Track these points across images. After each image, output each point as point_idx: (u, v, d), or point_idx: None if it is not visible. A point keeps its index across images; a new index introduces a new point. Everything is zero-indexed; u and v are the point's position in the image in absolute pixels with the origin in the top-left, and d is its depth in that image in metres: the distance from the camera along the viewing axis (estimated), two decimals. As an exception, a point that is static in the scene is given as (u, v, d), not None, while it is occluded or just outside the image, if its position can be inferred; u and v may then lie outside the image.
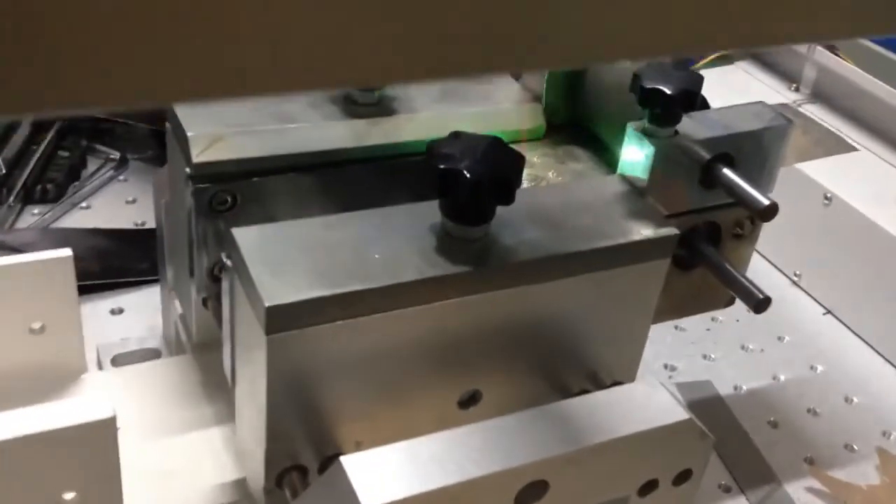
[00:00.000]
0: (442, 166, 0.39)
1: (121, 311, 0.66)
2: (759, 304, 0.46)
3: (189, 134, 0.46)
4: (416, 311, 0.40)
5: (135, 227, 0.74)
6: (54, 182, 0.76)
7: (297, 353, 0.39)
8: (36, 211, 0.74)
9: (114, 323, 0.65)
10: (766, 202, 0.44)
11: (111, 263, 0.70)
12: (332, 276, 0.39)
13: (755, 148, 0.48)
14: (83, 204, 0.76)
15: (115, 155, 0.82)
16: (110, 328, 0.65)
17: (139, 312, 0.66)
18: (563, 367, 0.47)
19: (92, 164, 0.81)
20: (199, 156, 0.45)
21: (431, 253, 0.41)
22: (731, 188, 0.46)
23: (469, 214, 0.41)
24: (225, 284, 0.42)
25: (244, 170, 0.47)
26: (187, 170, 0.46)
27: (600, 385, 0.49)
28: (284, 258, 0.39)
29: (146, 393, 0.51)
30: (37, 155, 0.77)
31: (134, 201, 0.77)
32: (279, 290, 0.38)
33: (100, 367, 0.60)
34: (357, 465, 0.38)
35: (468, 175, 0.39)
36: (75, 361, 0.50)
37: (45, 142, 0.79)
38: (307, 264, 0.39)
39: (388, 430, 0.43)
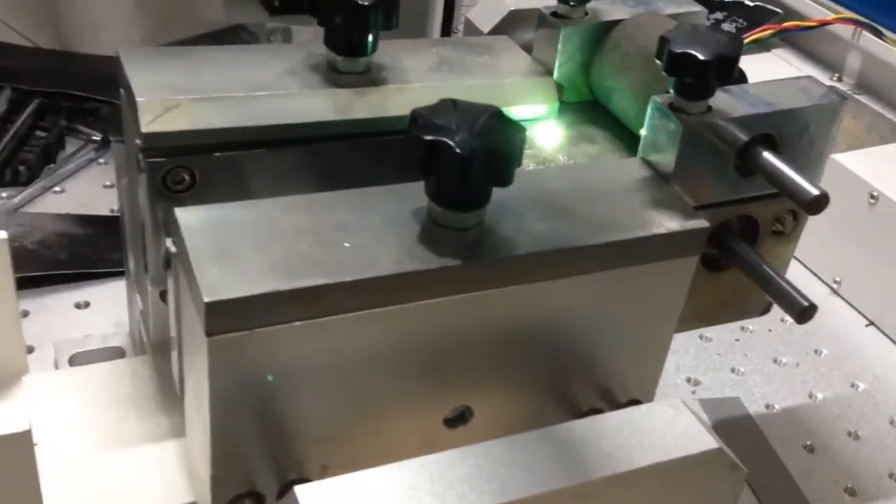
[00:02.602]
0: (428, 137, 0.33)
1: (87, 304, 0.60)
2: (804, 312, 0.39)
3: (139, 99, 0.39)
4: (392, 311, 0.34)
5: (110, 214, 0.68)
6: (27, 164, 0.70)
7: (246, 360, 0.32)
8: (4, 195, 0.68)
9: (78, 318, 0.59)
10: (815, 191, 0.37)
11: (80, 252, 0.63)
12: (292, 268, 0.32)
13: (801, 129, 0.41)
14: (57, 188, 0.70)
15: (97, 136, 0.76)
16: (74, 324, 0.59)
17: (107, 307, 0.60)
18: (570, 381, 0.40)
19: (72, 146, 0.75)
20: (150, 124, 0.39)
21: (413, 242, 0.34)
22: (772, 175, 0.39)
23: (459, 197, 0.35)
24: (170, 275, 0.36)
25: (205, 143, 0.40)
26: (137, 141, 0.39)
27: (614, 403, 0.42)
28: (234, 245, 0.33)
29: (94, 399, 0.45)
30: (9, 134, 0.71)
31: (113, 186, 0.71)
32: (224, 282, 0.31)
33: (56, 366, 0.54)
34: (314, 496, 0.31)
35: (458, 150, 0.32)
36: (13, 362, 0.44)
37: (20, 121, 0.73)
38: (262, 253, 0.33)
39: (361, 453, 0.36)
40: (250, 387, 0.33)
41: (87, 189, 0.71)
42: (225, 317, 0.31)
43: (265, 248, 0.33)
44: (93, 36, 0.80)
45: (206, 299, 0.30)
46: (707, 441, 0.36)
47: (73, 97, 0.77)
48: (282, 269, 0.32)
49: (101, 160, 0.74)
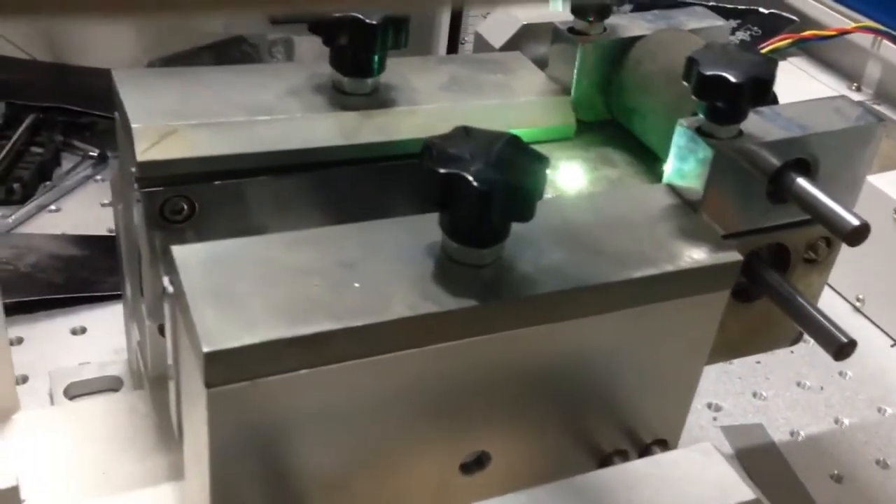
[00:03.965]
0: (443, 170, 0.30)
1: (83, 330, 0.58)
2: (842, 349, 0.37)
3: (135, 126, 0.37)
4: (405, 356, 0.31)
5: (108, 234, 0.65)
6: (22, 181, 0.68)
7: (249, 411, 0.30)
8: (-1, 214, 0.66)
9: (74, 344, 0.57)
10: (856, 222, 0.35)
11: (76, 275, 0.61)
12: (297, 312, 0.30)
13: (837, 153, 0.38)
14: (52, 206, 0.68)
15: (94, 152, 0.73)
16: (69, 351, 0.56)
17: (104, 332, 0.58)
18: (593, 422, 0.38)
19: (68, 162, 0.73)
20: (146, 152, 0.37)
21: (427, 281, 0.32)
22: (808, 203, 0.37)
23: (477, 233, 0.32)
24: (167, 314, 0.33)
25: (204, 171, 0.38)
26: (133, 170, 0.37)
27: (639, 444, 0.39)
28: (235, 286, 0.31)
29: (89, 437, 0.43)
30: (4, 151, 0.69)
31: (111, 204, 0.69)
32: (224, 329, 0.29)
33: (51, 397, 0.52)
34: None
35: (476, 183, 0.30)
36: (3, 399, 0.42)
37: (15, 136, 0.71)
38: (265, 295, 0.30)
39: (371, 502, 0.34)
40: (253, 437, 0.31)
41: (83, 207, 0.69)
42: (225, 367, 0.29)
43: (268, 289, 0.31)
44: (89, 48, 0.78)
45: (206, 349, 0.28)
46: (743, 492, 0.33)
47: (69, 111, 0.75)
48: (286, 313, 0.30)
49: (99, 177, 0.72)
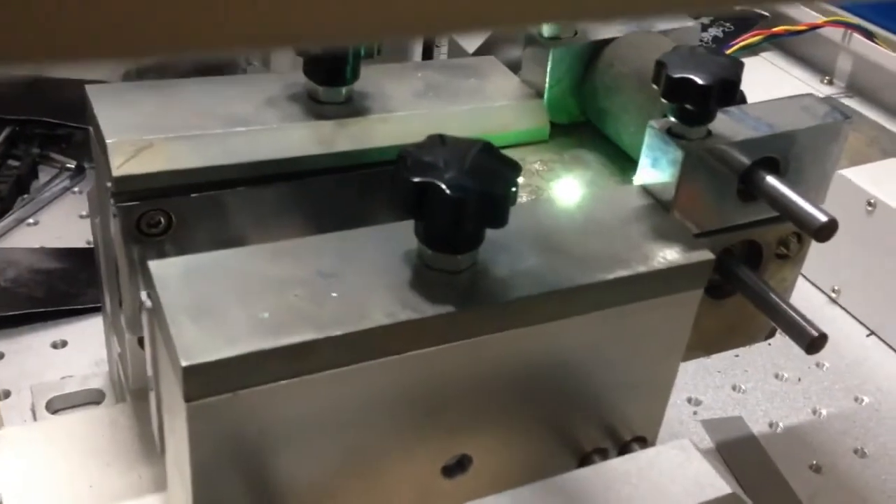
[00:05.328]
0: (416, 179, 0.31)
1: (64, 343, 0.58)
2: (814, 342, 0.37)
3: (109, 141, 0.37)
4: (385, 363, 0.32)
5: (87, 246, 0.65)
6: (-1, 195, 0.68)
7: (230, 423, 0.30)
8: (-24, 228, 0.66)
9: (55, 358, 0.57)
10: (824, 218, 0.36)
11: (56, 288, 0.61)
12: (276, 323, 0.30)
13: (805, 150, 0.39)
14: (31, 219, 0.68)
15: (72, 164, 0.73)
16: (51, 364, 0.56)
17: (85, 345, 0.58)
18: (572, 422, 0.38)
19: (46, 175, 0.73)
20: (121, 167, 0.37)
21: (405, 289, 0.32)
22: (777, 201, 0.37)
23: (451, 240, 0.33)
24: (146, 328, 0.34)
25: (181, 184, 0.38)
26: (108, 184, 0.37)
27: (618, 441, 0.40)
28: (214, 299, 0.31)
29: (73, 451, 0.43)
30: (-20, 165, 0.69)
31: (89, 216, 0.69)
32: (203, 342, 0.29)
33: (33, 412, 0.52)
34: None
35: (449, 191, 0.30)
36: (-16, 416, 0.42)
37: (-9, 150, 0.70)
38: (244, 307, 0.31)
39: (354, 508, 0.34)
40: (234, 448, 0.31)
41: (62, 220, 0.68)
42: (205, 380, 0.29)
43: (247, 301, 0.31)
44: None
45: (184, 363, 0.28)
46: (721, 487, 0.34)
47: (45, 124, 0.74)
48: (266, 324, 0.30)
49: (77, 189, 0.72)
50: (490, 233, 0.33)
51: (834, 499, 0.55)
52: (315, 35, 0.15)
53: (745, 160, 0.38)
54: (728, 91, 0.35)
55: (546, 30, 0.44)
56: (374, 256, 0.34)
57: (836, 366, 0.65)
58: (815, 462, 0.57)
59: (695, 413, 0.60)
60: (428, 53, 0.68)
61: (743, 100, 0.40)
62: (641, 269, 0.35)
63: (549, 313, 0.34)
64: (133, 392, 0.44)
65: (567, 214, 0.38)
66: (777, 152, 0.38)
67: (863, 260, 0.67)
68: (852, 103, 0.77)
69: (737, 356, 0.64)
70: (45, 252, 0.64)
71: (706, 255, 0.36)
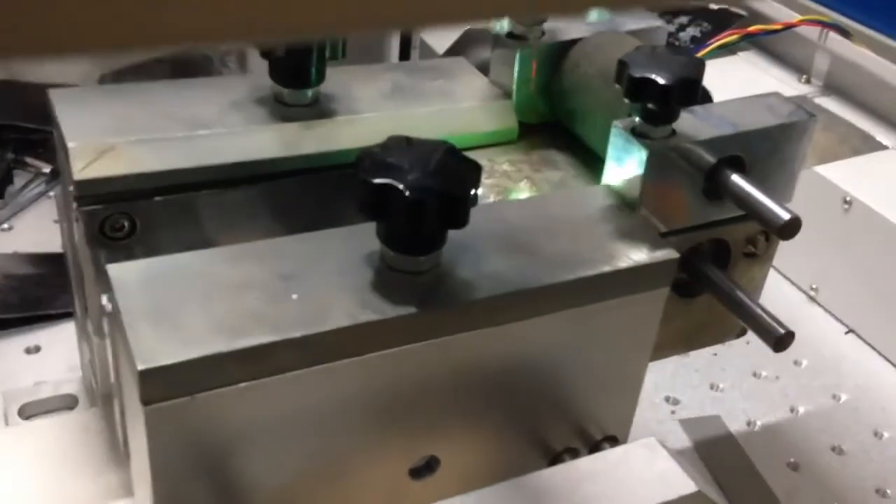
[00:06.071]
0: (375, 181, 0.31)
1: (37, 349, 0.58)
2: (780, 340, 0.37)
3: (70, 144, 0.37)
4: (347, 364, 0.32)
5: (61, 251, 0.65)
6: (-26, 201, 0.67)
7: (189, 426, 0.30)
8: (-49, 234, 0.66)
9: (29, 363, 0.57)
10: (787, 216, 0.36)
11: (30, 294, 0.61)
12: (235, 325, 0.30)
13: (770, 149, 0.39)
14: (5, 225, 0.67)
15: (47, 168, 0.73)
16: (24, 370, 0.56)
17: (58, 350, 0.57)
18: (542, 422, 0.38)
19: (21, 180, 0.72)
20: (83, 171, 0.37)
21: (366, 290, 0.32)
22: (741, 199, 0.37)
23: (412, 241, 0.33)
24: (107, 332, 0.33)
25: (144, 187, 0.38)
26: (70, 188, 0.37)
27: (589, 441, 0.40)
28: (173, 303, 0.31)
29: (41, 457, 0.43)
30: (-45, 171, 0.68)
31: (64, 221, 0.69)
32: (160, 346, 0.29)
33: (6, 418, 0.51)
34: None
35: (407, 192, 0.30)
36: (-49, 423, 0.42)
37: (-34, 156, 0.70)
38: (203, 310, 0.31)
39: (320, 512, 0.34)
40: (195, 452, 0.31)
41: (37, 225, 0.68)
42: (162, 383, 0.29)
43: (206, 304, 0.31)
44: (39, 64, 0.77)
45: (140, 367, 0.28)
46: (686, 484, 0.34)
47: (20, 128, 0.74)
48: (224, 327, 0.30)
49: (52, 194, 0.71)
50: (454, 233, 0.33)
51: (812, 496, 0.55)
52: (286, 28, 0.15)
53: (710, 159, 0.38)
54: (690, 90, 0.35)
55: (513, 29, 0.44)
56: (336, 258, 0.33)
57: (814, 364, 0.65)
58: (792, 460, 0.57)
59: (673, 412, 0.60)
60: (405, 55, 0.68)
61: (708, 98, 0.40)
62: (606, 268, 0.35)
63: (513, 314, 0.34)
64: (103, 397, 0.44)
65: (532, 214, 0.38)
66: (742, 151, 0.38)
67: (840, 258, 0.67)
68: (830, 101, 0.77)
69: (715, 355, 0.64)
70: (20, 257, 0.64)
71: (671, 253, 0.36)
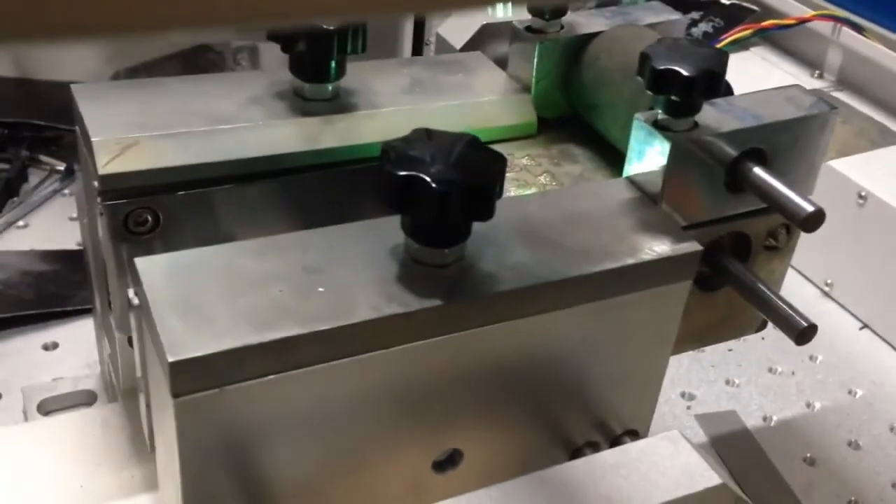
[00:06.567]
0: (401, 173, 0.31)
1: (55, 345, 0.58)
2: (803, 333, 0.37)
3: (95, 139, 0.37)
4: (373, 357, 0.32)
5: (77, 248, 0.65)
6: (-12, 199, 0.67)
7: (217, 418, 0.30)
8: (-34, 232, 0.66)
9: (47, 360, 0.57)
10: (811, 208, 0.36)
11: (47, 290, 0.61)
12: (262, 318, 0.30)
13: (792, 141, 0.39)
14: (21, 222, 0.68)
15: (61, 166, 0.73)
16: (42, 366, 0.56)
17: (76, 347, 0.57)
18: (563, 416, 0.38)
19: (35, 177, 0.73)
20: (107, 165, 0.37)
21: (391, 283, 0.32)
22: (764, 192, 0.37)
23: (438, 234, 0.33)
24: (134, 326, 0.34)
25: (167, 182, 0.38)
26: (95, 183, 0.37)
27: (610, 435, 0.40)
28: (200, 296, 0.31)
29: (63, 452, 0.43)
30: (-31, 168, 0.69)
31: (78, 218, 0.69)
32: (189, 338, 0.29)
33: (25, 414, 0.52)
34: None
35: (434, 184, 0.30)
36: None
37: (-20, 154, 0.70)
38: (230, 303, 0.31)
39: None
40: (223, 445, 0.31)
41: (52, 222, 0.68)
42: (192, 376, 0.29)
43: (233, 297, 0.31)
44: (52, 61, 0.78)
45: (171, 359, 0.28)
46: (710, 477, 0.34)
47: (34, 126, 0.74)
48: (252, 320, 0.30)
49: (66, 191, 0.71)
50: (478, 226, 0.33)
51: (828, 491, 0.55)
52: (300, 9, 0.15)
53: (732, 151, 0.38)
54: (713, 82, 0.35)
55: (532, 23, 0.44)
56: (361, 251, 0.34)
57: (829, 359, 0.65)
58: (808, 455, 0.57)
59: (688, 407, 0.60)
60: (418, 50, 0.68)
61: (729, 91, 0.40)
62: (629, 261, 0.35)
63: (536, 306, 0.34)
64: (124, 392, 0.44)
65: (555, 208, 0.38)
66: (763, 143, 0.38)
67: (855, 253, 0.67)
68: (843, 96, 0.77)
69: (730, 350, 0.64)
70: (36, 254, 0.64)
71: (694, 246, 0.36)
